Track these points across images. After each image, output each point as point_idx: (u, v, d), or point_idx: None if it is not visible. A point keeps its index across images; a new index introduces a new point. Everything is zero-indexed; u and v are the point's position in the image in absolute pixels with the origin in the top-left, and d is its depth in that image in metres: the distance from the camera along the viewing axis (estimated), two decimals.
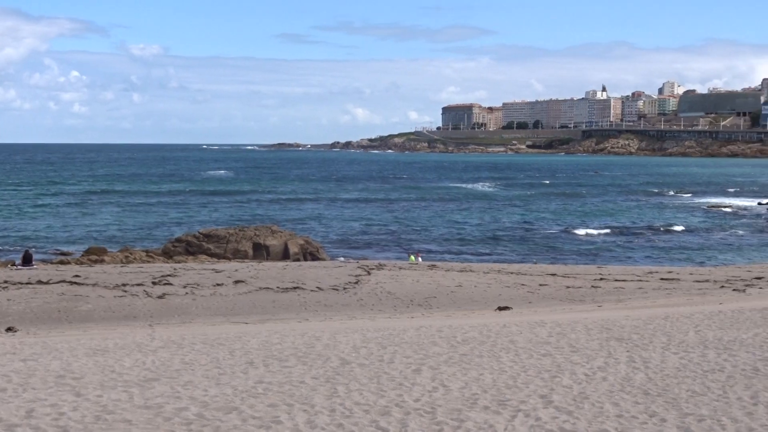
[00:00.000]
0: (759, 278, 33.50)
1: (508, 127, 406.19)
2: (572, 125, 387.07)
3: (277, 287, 29.23)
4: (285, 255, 41.00)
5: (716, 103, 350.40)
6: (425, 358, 13.48)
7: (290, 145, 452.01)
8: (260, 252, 41.09)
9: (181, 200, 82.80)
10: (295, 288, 29.23)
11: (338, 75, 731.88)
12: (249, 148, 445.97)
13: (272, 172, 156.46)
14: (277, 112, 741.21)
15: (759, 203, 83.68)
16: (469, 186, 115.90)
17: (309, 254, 41.68)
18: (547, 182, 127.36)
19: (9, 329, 20.49)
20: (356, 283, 30.64)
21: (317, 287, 29.50)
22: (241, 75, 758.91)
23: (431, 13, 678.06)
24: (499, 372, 12.36)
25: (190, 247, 41.17)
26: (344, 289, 29.35)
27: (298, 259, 40.32)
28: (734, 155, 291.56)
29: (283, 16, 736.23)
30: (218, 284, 29.42)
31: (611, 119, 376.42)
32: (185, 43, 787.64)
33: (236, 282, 29.97)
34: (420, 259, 41.50)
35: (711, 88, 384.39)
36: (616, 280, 32.99)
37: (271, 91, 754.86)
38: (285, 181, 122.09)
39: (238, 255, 40.57)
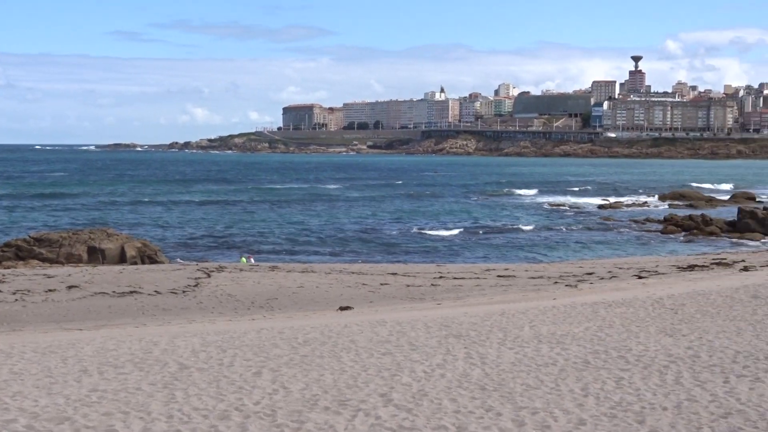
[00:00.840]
0: (590, 274, 34.78)
1: (349, 127, 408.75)
2: (412, 126, 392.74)
3: (113, 292, 28.45)
4: (122, 259, 39.89)
5: (549, 104, 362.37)
6: (266, 361, 13.37)
7: (127, 145, 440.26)
8: (95, 256, 39.83)
9: (10, 203, 79.39)
10: (132, 292, 28.52)
11: (176, 74, 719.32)
12: (84, 148, 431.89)
13: (107, 173, 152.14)
14: (113, 112, 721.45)
15: (590, 201, 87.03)
16: (313, 186, 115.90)
17: (147, 257, 40.68)
18: (391, 182, 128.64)
19: None
20: (196, 286, 30.16)
21: (155, 291, 28.88)
22: (74, 73, 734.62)
23: (271, 12, 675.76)
24: (339, 372, 12.38)
25: (20, 252, 39.51)
26: (183, 292, 28.83)
27: (135, 263, 39.31)
28: (567, 155, 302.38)
29: (116, 13, 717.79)
30: (50, 290, 28.38)
31: (450, 120, 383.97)
32: (12, 40, 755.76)
33: (69, 287, 28.98)
34: (252, 260, 41.14)
35: (544, 90, 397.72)
36: (455, 278, 33.61)
37: (107, 90, 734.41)
38: (121, 183, 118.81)
39: (72, 259, 39.22)
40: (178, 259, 42.34)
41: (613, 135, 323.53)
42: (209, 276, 32.77)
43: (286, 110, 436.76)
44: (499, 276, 34.68)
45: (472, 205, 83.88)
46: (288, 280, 32.21)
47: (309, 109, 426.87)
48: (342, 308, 24.85)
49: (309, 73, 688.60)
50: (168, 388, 11.40)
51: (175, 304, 26.68)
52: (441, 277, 34.18)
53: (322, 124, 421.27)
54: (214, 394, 11.03)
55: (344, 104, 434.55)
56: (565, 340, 14.81)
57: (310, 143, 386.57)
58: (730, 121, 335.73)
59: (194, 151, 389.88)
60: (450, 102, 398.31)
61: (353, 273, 35.37)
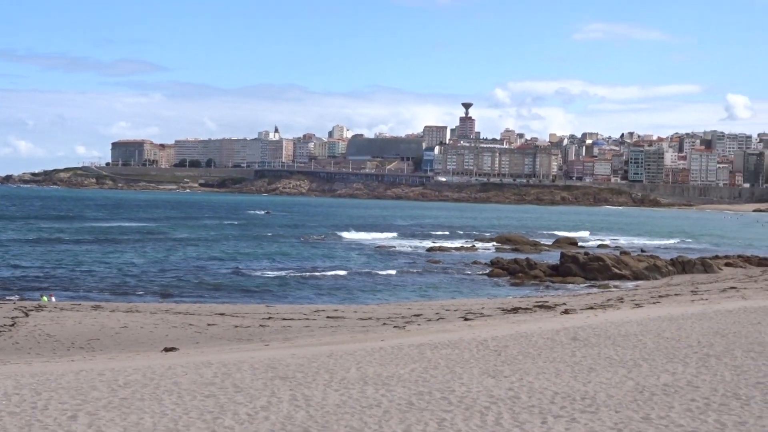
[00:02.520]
0: (418, 315, 35.21)
1: (181, 164, 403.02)
2: (245, 165, 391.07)
3: None
4: None
5: (382, 147, 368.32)
6: (83, 404, 12.84)
7: None
8: None
9: None
10: None
11: None
12: None
13: None
14: None
15: (420, 244, 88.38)
16: (142, 225, 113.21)
17: None
18: (223, 221, 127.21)
19: None
20: (12, 325, 28.84)
21: None
22: None
23: (102, 45, 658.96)
24: (160, 415, 12.01)
25: None
26: None
27: None
28: (399, 197, 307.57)
29: None
30: None
31: (283, 160, 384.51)
32: None
33: None
34: (54, 299, 39.57)
35: (377, 133, 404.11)
36: (284, 319, 33.40)
37: None
38: None
39: None
40: (45, 298, 40.29)
41: (443, 179, 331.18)
42: (27, 315, 31.41)
43: (116, 145, 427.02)
44: (328, 317, 34.66)
45: (304, 246, 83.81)
46: (111, 320, 31.23)
47: (139, 144, 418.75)
48: (166, 349, 24.26)
49: (140, 108, 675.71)
50: None
51: None
52: (270, 317, 33.89)
53: (153, 161, 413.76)
54: None
55: (176, 141, 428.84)
56: (390, 381, 14.87)
57: (140, 180, 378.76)
58: (554, 169, 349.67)
59: (16, 185, 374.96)
60: (284, 142, 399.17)
61: (180, 313, 34.64)
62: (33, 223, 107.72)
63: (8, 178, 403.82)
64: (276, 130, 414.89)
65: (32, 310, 32.92)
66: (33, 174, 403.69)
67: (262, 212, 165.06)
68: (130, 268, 58.15)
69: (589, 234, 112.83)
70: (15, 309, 33.20)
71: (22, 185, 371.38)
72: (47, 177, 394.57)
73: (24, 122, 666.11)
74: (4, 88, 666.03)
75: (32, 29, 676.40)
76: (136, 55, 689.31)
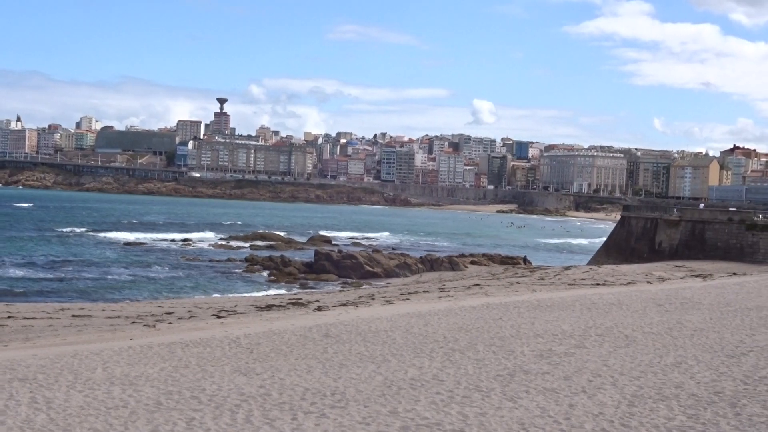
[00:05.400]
0: (169, 313, 34.53)
1: None
2: None
3: None
4: None
5: (134, 140, 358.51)
6: None
7: None
8: None
9: None
10: None
11: None
12: None
13: None
14: None
15: (172, 240, 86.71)
16: None
17: None
18: None
19: None
20: None
21: None
22: None
23: None
24: None
25: None
26: None
27: None
28: (151, 192, 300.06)
29: None
30: None
31: (27, 151, 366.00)
32: None
33: None
34: None
35: (128, 126, 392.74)
36: (25, 318, 31.85)
37: None
38: None
39: None
40: None
41: (197, 175, 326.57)
42: None
43: None
44: (74, 316, 33.33)
45: (49, 242, 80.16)
46: None
47: None
48: None
49: None
50: None
51: None
52: (9, 316, 32.16)
53: None
54: None
55: None
56: (138, 381, 14.45)
57: None
58: (309, 167, 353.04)
59: None
60: (27, 132, 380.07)
61: None
62: None
63: None
64: (18, 119, 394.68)
65: None
66: None
67: (29, 205, 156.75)
68: None
69: (347, 233, 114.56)
70: None
71: None
72: None
73: None
74: None
75: None
76: None
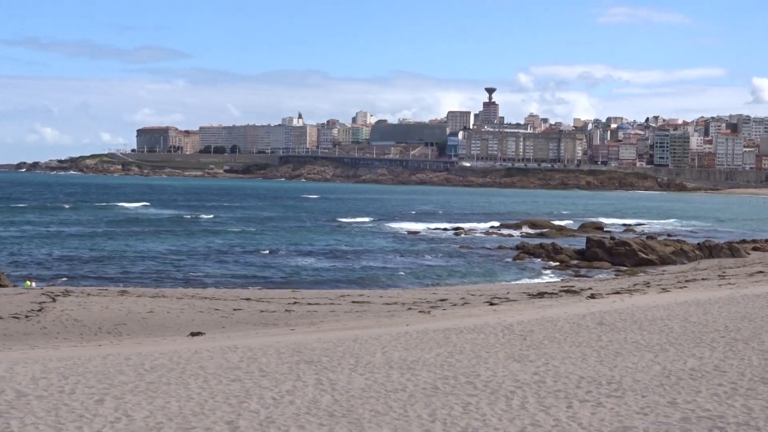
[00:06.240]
0: (443, 300, 35.19)
1: (206, 151, 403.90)
2: (269, 151, 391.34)
3: None
4: None
5: (406, 133, 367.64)
6: (109, 388, 12.90)
7: None
8: None
9: None
10: None
11: (24, 92, 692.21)
12: None
13: None
14: None
15: (445, 229, 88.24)
16: (178, 215, 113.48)
17: None
18: (258, 211, 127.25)
19: None
20: (40, 310, 29.05)
21: None
22: None
23: (124, 32, 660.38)
24: (186, 399, 12.05)
25: None
26: (26, 317, 27.72)
27: None
28: (423, 183, 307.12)
29: None
30: None
31: (307, 146, 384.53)
32: None
33: None
34: (34, 284, 39.89)
35: (401, 119, 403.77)
36: (310, 304, 33.47)
37: None
38: None
39: None
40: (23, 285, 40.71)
41: (467, 164, 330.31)
42: (54, 300, 31.64)
43: (141, 132, 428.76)
44: (353, 302, 34.71)
45: (331, 231, 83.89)
46: (138, 305, 31.41)
47: (164, 131, 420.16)
48: (193, 334, 24.37)
49: (164, 95, 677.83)
50: (2, 417, 10.86)
51: (17, 330, 25.61)
52: (295, 302, 33.97)
53: (178, 147, 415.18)
54: (52, 423, 10.55)
55: (200, 127, 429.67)
56: (415, 366, 14.84)
57: (165, 166, 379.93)
58: (579, 153, 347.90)
59: (43, 171, 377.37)
60: (308, 128, 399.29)
61: (206, 298, 34.79)
62: (60, 206, 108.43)
63: (35, 165, 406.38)
64: (300, 116, 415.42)
65: (59, 296, 33.16)
66: (59, 161, 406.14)
67: (316, 196, 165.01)
68: (160, 255, 58.45)
69: (618, 219, 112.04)
70: (42, 294, 33.44)
71: (48, 171, 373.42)
72: (73, 164, 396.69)
73: (49, 109, 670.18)
74: (28, 75, 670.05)
75: (55, 17, 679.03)
76: (158, 42, 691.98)
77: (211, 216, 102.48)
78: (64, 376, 13.98)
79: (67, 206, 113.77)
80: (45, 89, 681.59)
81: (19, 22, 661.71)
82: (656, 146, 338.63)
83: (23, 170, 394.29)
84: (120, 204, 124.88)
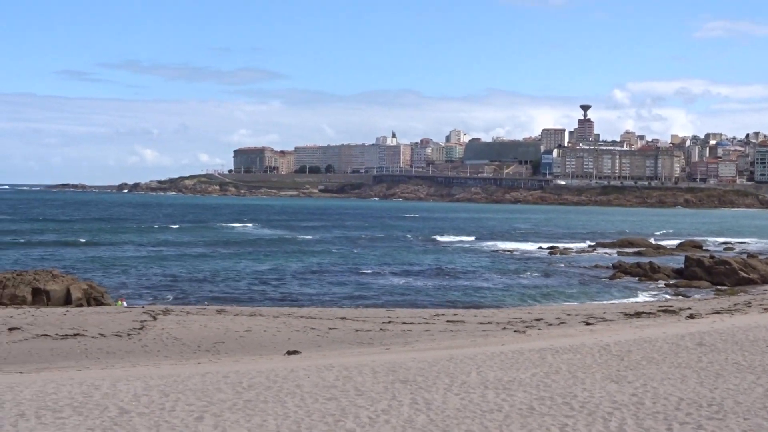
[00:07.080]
0: (538, 320, 34.90)
1: (301, 170, 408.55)
2: (363, 170, 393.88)
3: (56, 334, 27.97)
4: (67, 300, 39.28)
5: (500, 151, 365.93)
6: (208, 405, 13.17)
7: (75, 186, 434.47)
8: (40, 297, 39.17)
9: None
10: (75, 335, 28.06)
11: (125, 115, 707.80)
12: (24, 189, 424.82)
13: (54, 214, 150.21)
14: (60, 152, 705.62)
15: (539, 248, 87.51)
16: (278, 234, 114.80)
17: (93, 299, 40.14)
18: (361, 229, 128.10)
19: None
20: (141, 328, 29.77)
21: (99, 333, 28.45)
22: (19, 112, 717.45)
23: (221, 54, 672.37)
24: (283, 417, 12.22)
25: None
26: (128, 335, 28.43)
27: (80, 305, 38.72)
28: (517, 201, 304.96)
29: (64, 52, 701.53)
30: None
31: (401, 165, 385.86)
32: None
33: (11, 329, 28.47)
34: (125, 303, 40.71)
35: (494, 137, 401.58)
36: (404, 323, 33.54)
37: (53, 130, 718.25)
38: (67, 224, 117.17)
39: (16, 301, 38.52)
40: (125, 303, 41.77)
41: (562, 182, 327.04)
42: (155, 319, 32.36)
43: (237, 153, 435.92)
44: (448, 321, 34.66)
45: (425, 251, 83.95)
46: (235, 324, 31.92)
47: (260, 151, 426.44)
48: (289, 352, 24.65)
49: (260, 116, 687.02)
50: None
51: (120, 347, 26.28)
52: (390, 321, 34.09)
53: (274, 167, 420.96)
54: None
55: (296, 148, 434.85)
56: (511, 386, 14.78)
57: (261, 186, 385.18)
58: (677, 171, 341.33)
59: (143, 192, 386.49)
60: (401, 147, 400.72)
61: (301, 317, 35.15)
62: (159, 227, 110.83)
63: (136, 186, 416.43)
64: (393, 136, 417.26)
65: (160, 314, 33.91)
66: (159, 182, 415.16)
67: (388, 218, 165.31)
68: (260, 275, 59.27)
69: (718, 237, 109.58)
70: (144, 313, 34.26)
71: (150, 192, 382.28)
72: (173, 184, 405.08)
73: (149, 131, 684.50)
74: (130, 98, 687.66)
75: (155, 41, 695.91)
76: (255, 63, 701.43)
77: (309, 237, 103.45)
78: (164, 394, 14.31)
79: (174, 226, 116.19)
80: (145, 111, 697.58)
81: (120, 46, 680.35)
82: (757, 162, 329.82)
83: (125, 191, 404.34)
84: (224, 224, 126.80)
